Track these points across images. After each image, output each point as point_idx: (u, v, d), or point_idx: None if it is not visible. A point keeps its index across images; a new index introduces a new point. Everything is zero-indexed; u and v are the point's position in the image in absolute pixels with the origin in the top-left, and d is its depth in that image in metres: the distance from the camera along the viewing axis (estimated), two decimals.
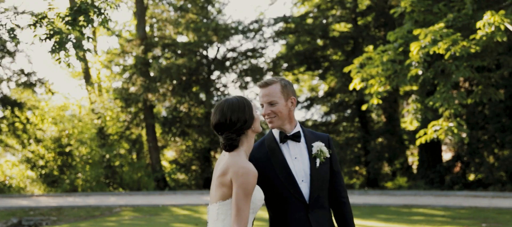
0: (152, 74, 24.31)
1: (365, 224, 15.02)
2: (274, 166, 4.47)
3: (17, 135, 25.70)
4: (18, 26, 8.95)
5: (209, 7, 25.53)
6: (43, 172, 25.14)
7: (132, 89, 24.60)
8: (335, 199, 4.65)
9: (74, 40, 8.96)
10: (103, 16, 9.01)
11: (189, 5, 25.41)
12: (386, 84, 14.86)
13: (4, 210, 19.74)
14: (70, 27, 8.95)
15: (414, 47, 13.52)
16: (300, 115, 26.19)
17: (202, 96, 24.05)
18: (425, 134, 14.39)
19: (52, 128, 25.91)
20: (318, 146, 4.54)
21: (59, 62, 8.95)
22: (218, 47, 25.15)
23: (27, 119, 25.61)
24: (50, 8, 8.98)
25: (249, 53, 24.88)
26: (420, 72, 13.87)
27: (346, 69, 15.46)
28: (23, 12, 9.96)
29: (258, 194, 4.31)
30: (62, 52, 8.91)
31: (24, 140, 25.72)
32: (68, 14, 8.95)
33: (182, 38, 25.70)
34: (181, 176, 25.77)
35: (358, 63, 15.21)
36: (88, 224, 16.62)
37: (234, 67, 25.22)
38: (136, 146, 25.84)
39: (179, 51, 24.36)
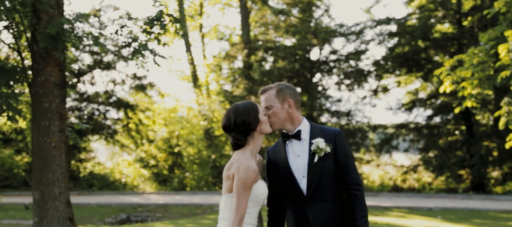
0: (255, 77, 24.86)
1: None
2: (278, 164, 4.91)
3: (131, 136, 27.16)
4: (102, 34, 9.69)
5: (314, 9, 25.69)
6: (155, 171, 26.35)
7: (236, 92, 25.27)
8: (345, 191, 4.91)
9: (151, 47, 9.58)
10: (178, 24, 9.59)
11: (294, 10, 25.76)
12: (478, 87, 14.61)
13: (116, 206, 20.86)
14: (148, 35, 9.60)
15: (502, 49, 13.24)
16: (403, 117, 25.92)
17: (304, 98, 24.31)
18: None
19: (163, 129, 27.10)
20: (316, 142, 4.83)
21: (138, 67, 9.62)
22: (321, 50, 25.34)
23: (140, 120, 26.96)
24: (129, 18, 9.66)
25: (351, 56, 24.87)
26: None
27: (436, 72, 15.32)
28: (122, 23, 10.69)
29: (261, 189, 4.76)
30: (140, 58, 9.57)
31: (138, 140, 27.12)
32: (146, 22, 9.60)
33: (286, 41, 26.08)
34: None
35: (449, 66, 15.04)
36: (187, 221, 17.35)
37: (335, 70, 25.29)
38: None
39: (281, 54, 24.76)
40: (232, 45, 26.69)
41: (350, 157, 4.93)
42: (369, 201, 20.68)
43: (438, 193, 22.77)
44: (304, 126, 4.96)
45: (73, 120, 26.59)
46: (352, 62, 25.08)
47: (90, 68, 26.28)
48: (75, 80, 26.54)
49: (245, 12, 26.14)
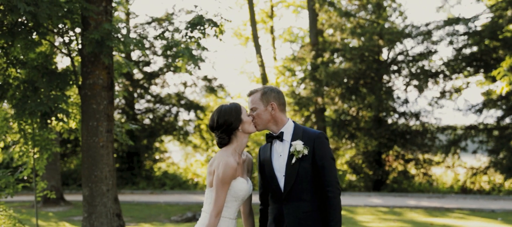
0: (321, 78, 24.96)
1: None
2: (265, 163, 5.26)
3: (202, 136, 27.85)
4: (145, 37, 10.17)
5: (383, 10, 25.48)
6: None
7: (303, 93, 25.45)
8: (322, 193, 5.12)
9: (193, 51, 9.98)
10: (216, 27, 9.95)
11: (363, 12, 25.65)
12: None
13: (183, 204, 21.43)
14: (188, 39, 10.01)
15: None
16: (473, 118, 25.30)
17: (371, 99, 24.19)
18: None
19: None
20: (294, 144, 5.10)
21: (177, 71, 10.04)
22: (388, 51, 25.11)
23: None
24: (170, 22, 10.09)
25: (418, 56, 24.53)
26: None
27: (494, 73, 15.10)
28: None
29: (240, 185, 5.13)
30: (180, 61, 10.00)
31: (208, 141, 27.78)
32: (186, 27, 10.02)
33: (353, 42, 26.00)
34: (352, 178, 26.08)
35: (506, 67, 14.80)
36: None
37: (402, 71, 24.99)
38: None
39: (348, 56, 24.71)
40: (301, 47, 26.91)
41: (328, 159, 5.12)
42: (434, 202, 20.51)
43: (507, 195, 22.26)
44: (288, 128, 5.24)
45: (146, 121, 27.53)
46: (420, 63, 24.72)
47: (162, 70, 27.08)
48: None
49: (313, 14, 26.32)
